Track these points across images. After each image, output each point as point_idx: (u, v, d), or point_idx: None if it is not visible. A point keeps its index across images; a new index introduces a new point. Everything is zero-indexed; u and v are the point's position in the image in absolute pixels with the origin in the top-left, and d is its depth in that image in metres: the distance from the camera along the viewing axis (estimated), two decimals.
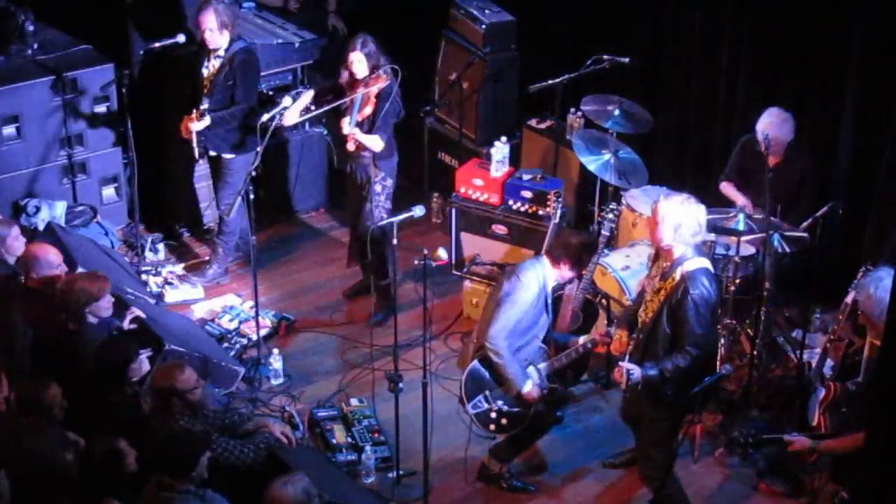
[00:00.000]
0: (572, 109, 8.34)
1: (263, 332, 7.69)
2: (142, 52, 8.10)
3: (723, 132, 8.19)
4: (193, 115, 7.75)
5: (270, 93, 8.59)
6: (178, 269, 8.39)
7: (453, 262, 8.12)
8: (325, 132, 8.78)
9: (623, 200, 7.65)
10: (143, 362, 6.10)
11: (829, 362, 6.52)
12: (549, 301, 6.36)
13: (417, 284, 7.49)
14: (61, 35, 8.53)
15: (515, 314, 6.22)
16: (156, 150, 8.58)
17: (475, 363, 6.38)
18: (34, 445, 5.43)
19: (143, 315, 6.84)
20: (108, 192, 8.60)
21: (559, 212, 7.22)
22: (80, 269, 6.96)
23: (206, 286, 8.26)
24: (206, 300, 8.14)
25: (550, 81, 7.80)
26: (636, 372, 5.80)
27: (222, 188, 8.07)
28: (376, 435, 6.94)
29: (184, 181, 8.65)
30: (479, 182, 7.93)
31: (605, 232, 6.81)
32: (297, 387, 7.45)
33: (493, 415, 6.42)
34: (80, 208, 8.36)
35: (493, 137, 8.24)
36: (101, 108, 8.34)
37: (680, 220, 5.69)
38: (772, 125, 7.11)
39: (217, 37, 7.72)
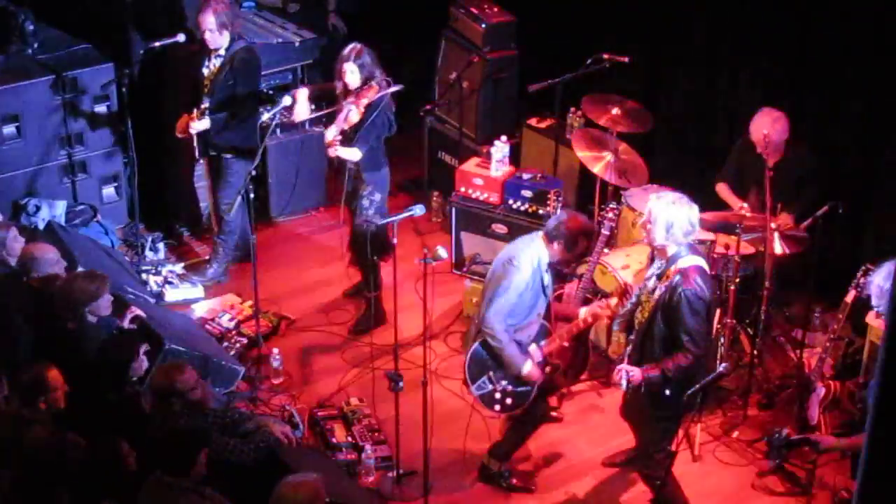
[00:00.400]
0: (572, 109, 8.35)
1: (263, 331, 7.69)
2: (142, 52, 8.10)
3: (723, 132, 8.19)
4: (194, 114, 7.75)
5: (270, 92, 8.59)
6: (178, 268, 8.39)
7: (453, 261, 8.13)
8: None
9: (623, 200, 7.65)
10: (143, 361, 6.10)
11: (829, 361, 6.53)
12: (548, 280, 6.34)
13: (417, 284, 7.49)
14: (61, 34, 8.54)
15: (511, 297, 6.21)
16: (156, 149, 8.59)
17: (477, 346, 6.38)
18: (35, 437, 5.44)
19: (143, 314, 6.84)
20: (108, 191, 8.61)
21: (559, 211, 7.22)
22: (80, 269, 6.96)
23: (205, 286, 8.26)
24: (206, 300, 8.15)
25: (550, 81, 7.79)
26: (636, 374, 5.81)
27: (223, 188, 8.07)
28: (376, 434, 6.95)
29: (184, 181, 8.66)
30: (479, 181, 7.93)
31: (605, 231, 6.81)
32: (297, 386, 7.45)
33: (498, 395, 6.42)
34: (81, 207, 8.37)
35: (493, 137, 8.24)
36: (101, 108, 8.34)
37: (671, 219, 5.71)
38: (765, 125, 7.11)
39: (217, 37, 7.72)
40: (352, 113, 7.25)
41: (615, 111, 7.65)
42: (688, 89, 8.44)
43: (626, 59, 7.75)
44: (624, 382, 5.86)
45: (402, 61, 9.41)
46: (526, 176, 7.80)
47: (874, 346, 6.55)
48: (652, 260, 6.01)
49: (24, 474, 5.29)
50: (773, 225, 6.81)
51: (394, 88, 7.32)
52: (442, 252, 6.10)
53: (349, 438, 6.94)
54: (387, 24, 10.11)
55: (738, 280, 6.95)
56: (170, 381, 5.82)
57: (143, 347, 6.13)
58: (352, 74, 7.27)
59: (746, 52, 7.98)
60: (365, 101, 7.25)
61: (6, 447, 5.45)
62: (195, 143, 7.91)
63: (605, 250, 6.84)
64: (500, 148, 7.97)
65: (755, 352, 7.15)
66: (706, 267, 5.85)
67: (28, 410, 5.58)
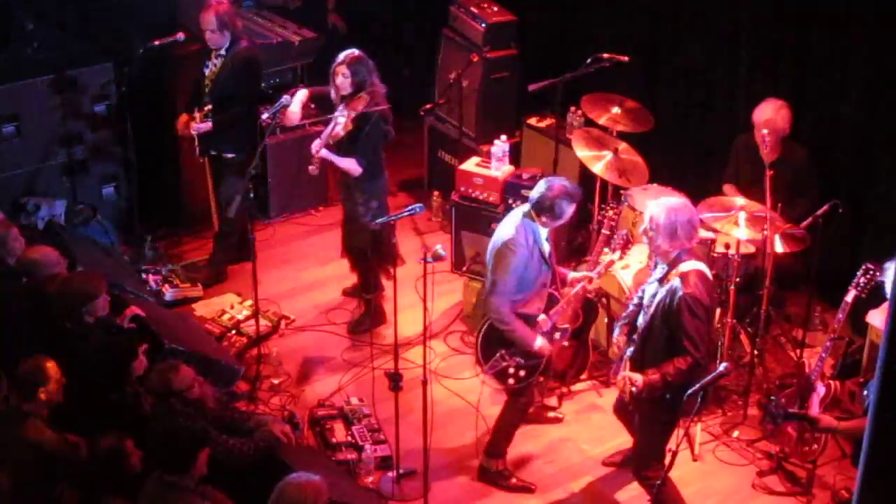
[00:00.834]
0: (572, 108, 8.35)
1: (263, 331, 7.69)
2: (141, 51, 8.10)
3: (723, 132, 8.19)
4: (196, 115, 7.74)
5: (270, 91, 8.59)
6: (178, 267, 8.39)
7: (453, 260, 8.13)
8: None
9: (623, 200, 7.64)
10: (143, 360, 6.09)
11: (829, 361, 6.53)
12: (548, 249, 6.32)
13: (417, 283, 7.48)
14: (61, 33, 8.52)
15: (511, 280, 6.22)
16: (156, 148, 8.58)
17: (486, 327, 6.40)
18: (36, 437, 5.44)
19: (142, 314, 6.83)
20: (108, 190, 8.60)
21: None
22: (80, 268, 6.96)
23: (205, 285, 8.26)
24: (206, 299, 8.14)
25: (550, 81, 7.79)
26: (639, 381, 5.80)
27: (222, 187, 8.07)
28: (376, 434, 6.95)
29: (184, 180, 8.65)
30: (479, 181, 7.93)
31: (605, 231, 6.81)
32: (297, 385, 7.45)
33: (511, 370, 6.44)
34: (80, 207, 8.36)
35: (493, 136, 8.24)
36: (100, 107, 8.33)
37: (675, 225, 5.71)
38: (770, 111, 7.14)
39: (218, 37, 7.72)
40: (338, 127, 7.20)
41: (615, 111, 7.65)
42: (688, 89, 8.44)
43: (626, 59, 7.74)
44: (627, 391, 5.86)
45: (402, 61, 9.43)
46: (526, 175, 7.80)
47: (874, 345, 6.55)
48: (655, 264, 6.02)
49: (24, 474, 5.28)
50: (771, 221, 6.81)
51: (380, 108, 7.21)
52: (442, 251, 6.09)
53: (349, 438, 6.93)
54: (387, 23, 10.13)
55: (738, 280, 6.94)
56: (166, 381, 5.82)
57: (143, 347, 6.13)
58: (343, 79, 7.19)
59: (746, 52, 7.98)
60: (352, 115, 7.18)
61: (6, 447, 5.44)
62: (196, 143, 7.90)
63: (605, 250, 6.84)
64: (500, 147, 7.97)
65: (755, 352, 7.15)
66: (707, 271, 5.84)
67: (28, 405, 5.58)
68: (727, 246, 6.98)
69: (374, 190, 7.45)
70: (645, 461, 6.17)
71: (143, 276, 8.08)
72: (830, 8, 7.46)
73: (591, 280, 6.49)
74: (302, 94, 7.52)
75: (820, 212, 6.72)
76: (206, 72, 7.87)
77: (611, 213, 6.90)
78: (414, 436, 6.54)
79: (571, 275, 6.57)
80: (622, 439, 6.79)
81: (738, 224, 6.72)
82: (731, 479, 6.78)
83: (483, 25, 8.67)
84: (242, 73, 7.82)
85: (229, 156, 7.97)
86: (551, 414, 7.23)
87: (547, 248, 6.30)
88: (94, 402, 5.88)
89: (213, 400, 6.41)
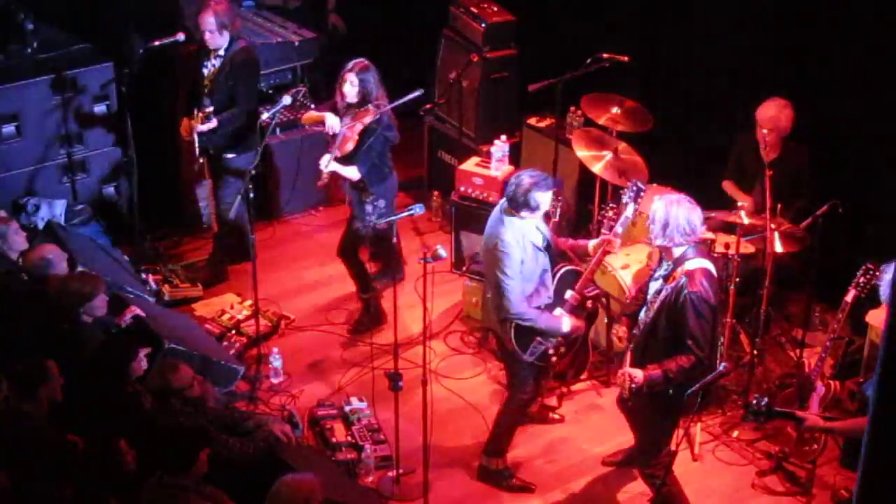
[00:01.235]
0: (572, 108, 8.35)
1: (263, 330, 7.69)
2: (141, 51, 8.10)
3: (723, 131, 8.19)
4: (197, 117, 7.75)
5: (270, 91, 8.58)
6: (178, 267, 8.39)
7: (453, 260, 8.12)
8: None
9: (623, 199, 7.63)
10: (143, 361, 6.10)
11: (829, 361, 6.52)
12: (542, 238, 6.31)
13: (417, 283, 7.49)
14: (61, 34, 8.53)
15: (515, 280, 6.20)
16: (155, 148, 8.58)
17: (513, 327, 6.33)
18: (36, 436, 5.44)
19: (142, 314, 6.84)
20: (108, 190, 8.60)
21: (559, 210, 7.21)
22: (80, 268, 6.96)
23: (205, 285, 8.25)
24: (206, 299, 8.14)
25: (550, 81, 7.79)
26: (639, 377, 5.80)
27: (222, 187, 8.07)
28: (376, 434, 6.95)
29: (184, 180, 8.64)
30: (478, 181, 7.93)
31: (604, 231, 6.78)
32: (297, 385, 7.45)
33: (552, 350, 6.43)
34: (80, 207, 8.36)
35: (492, 136, 8.24)
36: (100, 107, 8.34)
37: (668, 219, 5.71)
38: (774, 108, 7.15)
39: (217, 37, 7.72)
40: (347, 141, 7.24)
41: (615, 111, 7.65)
42: (687, 89, 8.44)
43: (626, 59, 7.75)
44: (627, 386, 5.86)
45: (402, 61, 9.43)
46: None
47: (874, 345, 6.55)
48: (658, 261, 6.02)
49: (24, 474, 5.28)
50: (772, 225, 6.81)
51: (384, 118, 7.25)
52: (442, 251, 6.09)
53: (349, 438, 6.93)
54: (387, 23, 10.12)
55: (738, 280, 6.94)
56: (165, 381, 5.83)
57: (145, 351, 6.13)
58: (350, 87, 7.22)
59: (746, 52, 7.98)
60: (359, 127, 7.22)
61: (6, 447, 5.44)
62: (195, 143, 7.90)
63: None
64: (500, 147, 7.97)
65: (755, 351, 7.15)
66: (713, 270, 5.84)
67: (28, 405, 5.58)
68: (727, 246, 6.98)
69: (383, 191, 7.48)
70: (647, 459, 6.17)
71: (143, 276, 8.08)
72: (831, 7, 7.45)
73: (611, 242, 6.41)
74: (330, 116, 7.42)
75: (820, 212, 6.72)
76: (205, 72, 7.86)
77: (611, 213, 6.89)
78: (414, 436, 6.54)
79: (591, 244, 6.55)
80: (622, 439, 6.79)
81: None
82: (731, 479, 6.78)
83: (483, 25, 8.67)
84: (241, 74, 7.82)
85: (228, 156, 7.97)
86: (551, 414, 7.23)
87: (540, 237, 6.30)
88: (93, 401, 5.88)
89: (213, 400, 6.42)
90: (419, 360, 6.40)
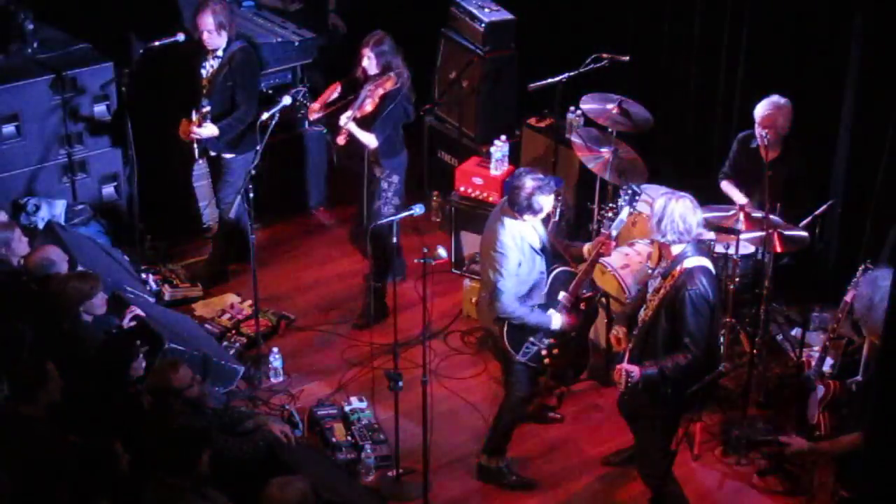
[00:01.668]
0: (572, 108, 8.34)
1: (263, 330, 7.69)
2: (141, 51, 8.10)
3: (722, 131, 8.19)
4: (195, 119, 7.75)
5: (270, 92, 8.58)
6: (178, 267, 8.39)
7: (453, 260, 8.12)
8: (325, 131, 8.78)
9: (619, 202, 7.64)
10: (143, 360, 6.10)
11: (829, 360, 6.52)
12: (538, 239, 6.34)
13: (417, 283, 7.48)
14: (61, 34, 8.52)
15: (509, 281, 6.22)
16: (155, 148, 8.57)
17: (507, 326, 6.38)
18: (36, 437, 5.44)
19: (142, 313, 6.84)
20: (108, 190, 8.60)
21: (559, 210, 7.21)
22: (79, 268, 6.96)
23: (205, 285, 8.26)
24: (206, 299, 8.14)
25: (550, 80, 7.79)
26: (635, 372, 5.81)
27: (222, 187, 8.07)
28: (376, 434, 6.95)
29: (183, 180, 8.65)
30: (478, 181, 7.93)
31: (604, 231, 6.79)
32: (297, 385, 7.45)
33: (544, 351, 6.44)
34: (80, 207, 8.36)
35: (492, 136, 8.24)
36: (100, 107, 8.33)
37: (663, 214, 5.72)
38: (773, 106, 7.15)
39: (215, 37, 7.72)
40: (367, 102, 7.40)
41: (615, 110, 7.65)
42: (687, 88, 8.44)
43: (626, 59, 7.75)
44: (623, 381, 5.86)
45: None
46: None
47: (874, 345, 6.54)
48: (657, 259, 6.02)
49: (23, 474, 5.28)
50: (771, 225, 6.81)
51: (405, 88, 7.47)
52: (441, 251, 6.09)
53: (349, 438, 6.94)
54: (387, 23, 10.11)
55: (737, 280, 6.94)
56: (165, 380, 5.81)
57: (144, 350, 6.14)
58: (368, 61, 7.44)
59: (746, 52, 7.98)
60: (381, 92, 7.41)
61: (6, 447, 5.44)
62: (195, 144, 7.90)
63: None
64: (500, 147, 7.97)
65: (755, 351, 7.14)
66: (712, 268, 5.84)
67: (27, 406, 5.58)
68: (727, 246, 6.98)
69: (397, 166, 7.64)
70: (647, 460, 6.17)
71: (143, 276, 8.08)
72: (831, 6, 7.45)
73: (606, 244, 6.41)
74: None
75: (819, 211, 6.72)
76: (204, 73, 7.86)
77: (610, 213, 6.90)
78: (414, 435, 6.55)
79: (586, 247, 6.56)
80: (622, 439, 6.79)
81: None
82: (731, 478, 6.78)
83: (483, 25, 8.67)
84: (240, 74, 7.82)
85: (228, 156, 7.97)
86: (551, 414, 7.23)
87: (538, 239, 6.31)
88: (93, 402, 5.88)
89: (212, 399, 6.42)
90: (419, 359, 6.40)
